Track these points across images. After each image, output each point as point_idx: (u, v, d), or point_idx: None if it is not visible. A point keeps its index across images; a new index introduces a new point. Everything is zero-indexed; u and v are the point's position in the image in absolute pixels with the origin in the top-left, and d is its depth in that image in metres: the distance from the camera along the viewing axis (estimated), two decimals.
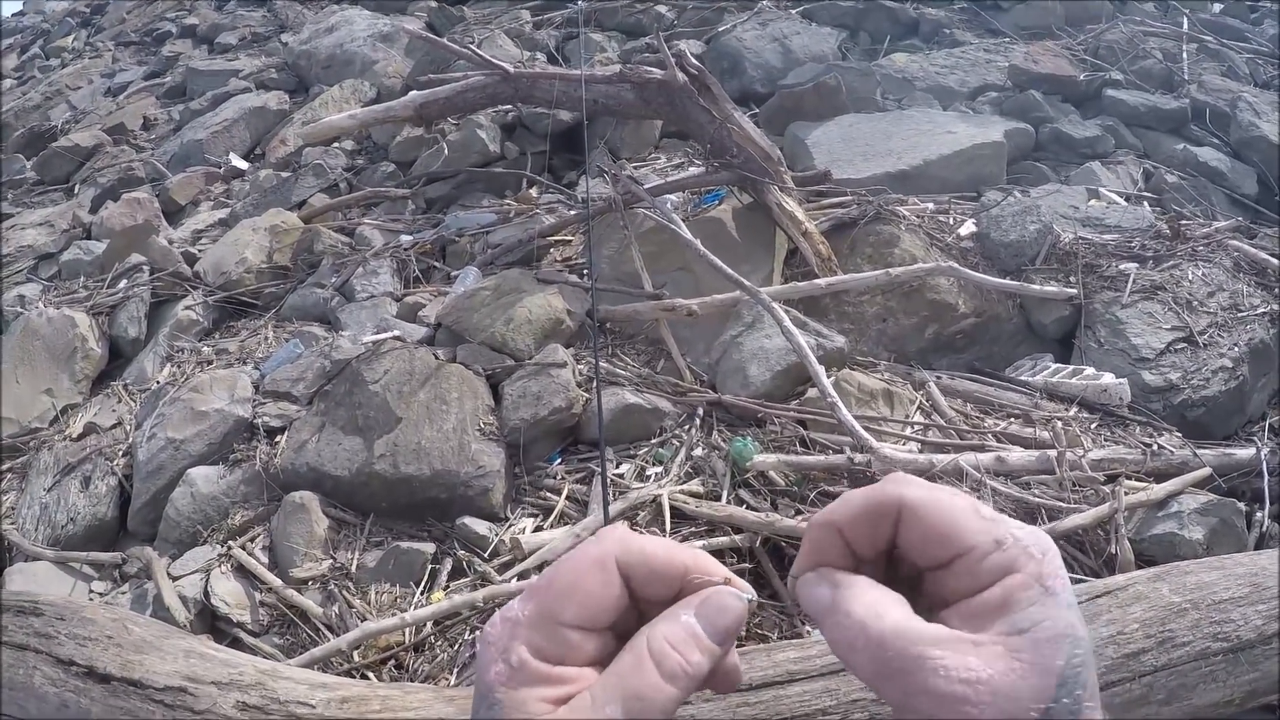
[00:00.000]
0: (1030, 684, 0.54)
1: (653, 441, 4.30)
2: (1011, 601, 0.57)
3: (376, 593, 3.76)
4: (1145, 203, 6.50)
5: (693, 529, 3.70)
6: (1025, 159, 7.25)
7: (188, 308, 6.11)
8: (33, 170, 10.18)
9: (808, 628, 3.26)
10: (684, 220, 5.33)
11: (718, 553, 3.54)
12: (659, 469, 4.11)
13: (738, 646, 0.66)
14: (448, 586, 3.73)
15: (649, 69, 5.80)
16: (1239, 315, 4.92)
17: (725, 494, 3.81)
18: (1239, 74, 9.19)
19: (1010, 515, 3.40)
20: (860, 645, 0.58)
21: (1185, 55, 9.26)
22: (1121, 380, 4.51)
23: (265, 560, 4.02)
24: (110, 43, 14.93)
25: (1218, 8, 11.12)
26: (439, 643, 3.48)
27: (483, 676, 0.62)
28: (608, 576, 0.64)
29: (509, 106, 7.46)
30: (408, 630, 3.48)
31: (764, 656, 1.33)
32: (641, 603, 0.66)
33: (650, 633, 0.63)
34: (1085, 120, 7.84)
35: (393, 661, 3.44)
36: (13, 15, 21.25)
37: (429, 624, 3.50)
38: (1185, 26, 9.92)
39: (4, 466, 5.17)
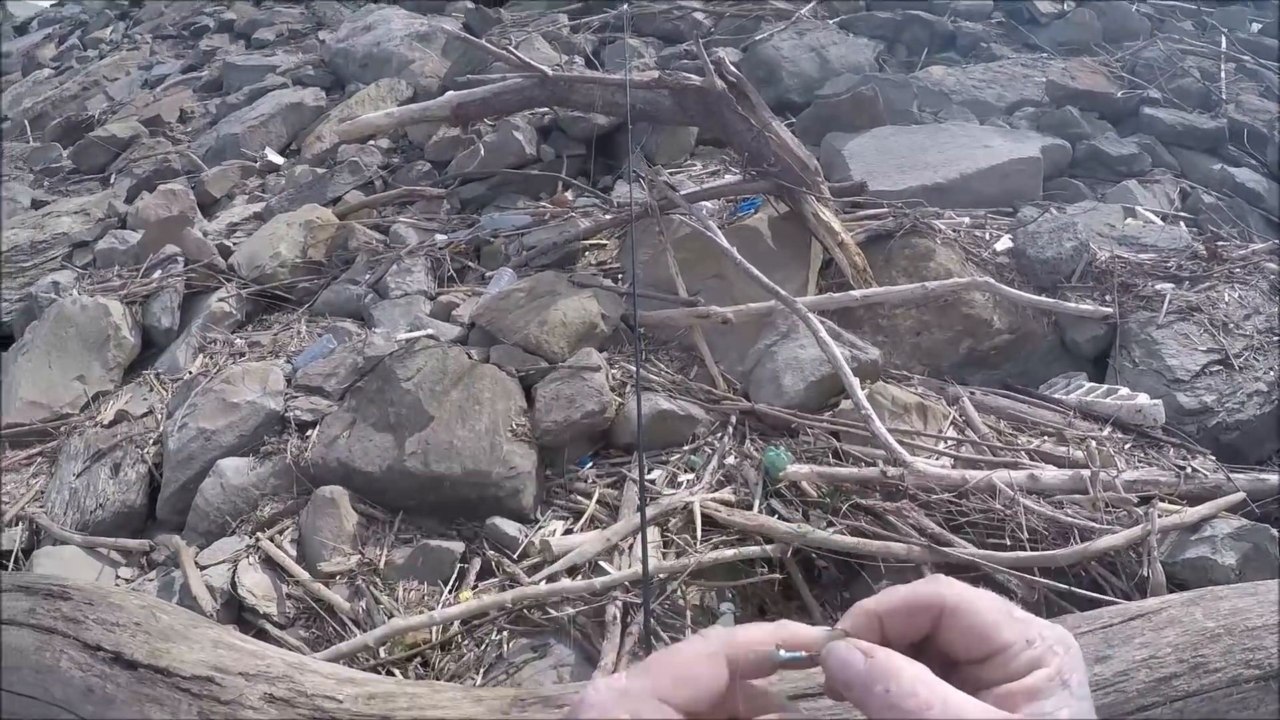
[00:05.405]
0: None
1: (685, 448, 4.27)
2: (1039, 691, 0.65)
3: (404, 590, 3.77)
4: (1182, 223, 6.46)
5: (724, 537, 3.69)
6: (1061, 175, 7.19)
7: (221, 300, 6.12)
8: (69, 159, 10.27)
9: None
10: (720, 228, 5.32)
11: (749, 562, 3.56)
12: (691, 476, 4.09)
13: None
14: (476, 586, 3.73)
15: (688, 75, 5.80)
16: (1275, 339, 4.87)
17: (757, 503, 3.79)
18: (1277, 94, 9.12)
19: (1044, 534, 3.40)
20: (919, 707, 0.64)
21: (1223, 74, 9.20)
22: (1156, 401, 4.47)
23: (293, 553, 4.03)
24: (148, 36, 15.02)
25: (1256, 27, 11.04)
26: (466, 642, 3.49)
27: None
28: (718, 670, 0.69)
29: (545, 109, 7.48)
30: (435, 629, 3.49)
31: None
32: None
33: None
34: (1122, 138, 7.77)
35: (419, 659, 3.45)
36: (51, 6, 21.43)
37: (456, 623, 3.50)
38: (1224, 46, 9.85)
39: (35, 449, 5.21)
